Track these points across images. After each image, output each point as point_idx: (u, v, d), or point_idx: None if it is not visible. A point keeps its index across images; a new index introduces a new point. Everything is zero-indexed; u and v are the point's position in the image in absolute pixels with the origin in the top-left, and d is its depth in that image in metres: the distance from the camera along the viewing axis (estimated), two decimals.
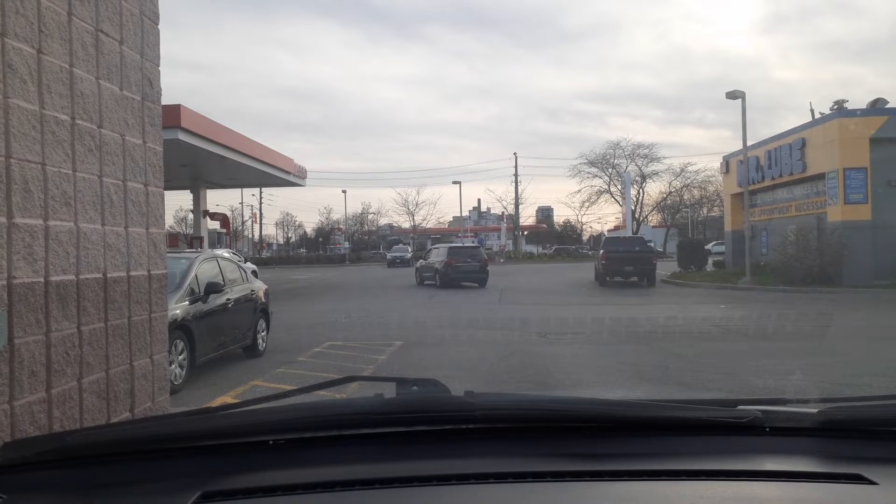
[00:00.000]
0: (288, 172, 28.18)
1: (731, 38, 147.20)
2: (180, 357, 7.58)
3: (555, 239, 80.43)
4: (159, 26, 3.13)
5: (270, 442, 1.45)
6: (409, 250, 53.98)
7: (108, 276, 2.60)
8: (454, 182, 59.16)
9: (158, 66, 3.10)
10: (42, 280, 2.22)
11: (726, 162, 31.13)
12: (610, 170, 57.30)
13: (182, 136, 18.12)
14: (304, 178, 31.49)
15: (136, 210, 2.81)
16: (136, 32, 2.90)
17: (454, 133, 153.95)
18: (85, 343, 2.44)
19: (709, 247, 40.94)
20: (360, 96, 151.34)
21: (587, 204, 61.48)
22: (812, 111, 26.24)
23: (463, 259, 25.71)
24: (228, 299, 9.11)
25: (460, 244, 32.05)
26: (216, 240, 33.56)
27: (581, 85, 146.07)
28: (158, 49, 3.10)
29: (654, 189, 61.66)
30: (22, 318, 2.11)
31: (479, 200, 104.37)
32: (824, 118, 23.12)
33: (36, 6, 2.26)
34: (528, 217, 78.25)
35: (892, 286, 19.26)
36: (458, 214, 74.24)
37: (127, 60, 2.81)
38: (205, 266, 8.91)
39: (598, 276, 25.94)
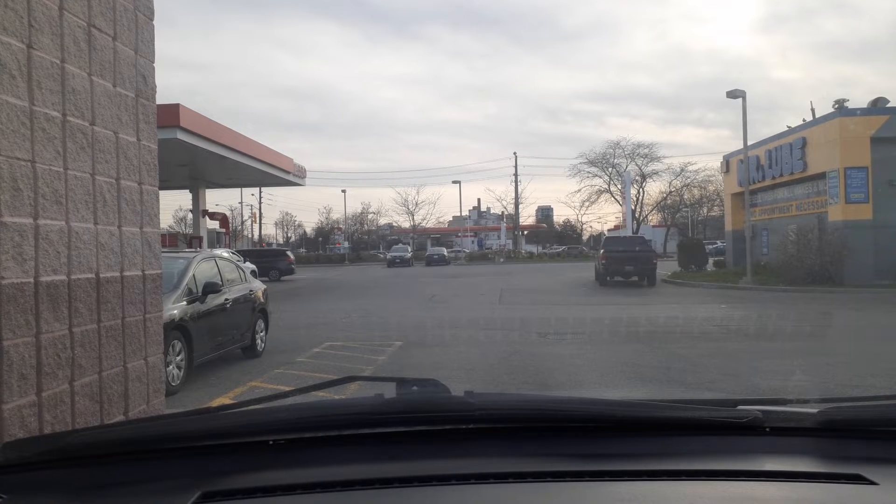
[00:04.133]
0: (287, 172, 28.20)
1: (731, 37, 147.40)
2: (178, 358, 7.54)
3: (555, 238, 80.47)
4: (154, 22, 3.08)
5: (270, 442, 1.44)
6: (409, 250, 53.98)
7: (101, 276, 2.55)
8: (454, 182, 59.40)
9: (153, 62, 3.04)
10: (32, 280, 2.17)
11: (726, 161, 31.09)
12: (610, 169, 57.44)
13: (181, 136, 18.13)
14: (304, 177, 31.52)
15: (129, 209, 2.76)
16: (130, 28, 2.85)
17: (453, 133, 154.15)
18: (77, 345, 2.39)
19: None
20: (360, 96, 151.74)
21: (587, 203, 61.72)
22: (813, 110, 26.21)
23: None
24: (227, 299, 9.06)
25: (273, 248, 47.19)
26: (215, 239, 33.54)
27: (580, 85, 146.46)
28: (153, 45, 3.05)
29: (654, 188, 61.82)
30: (11, 319, 2.07)
31: (478, 200, 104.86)
32: (825, 117, 23.06)
33: (26, 0, 2.21)
34: (527, 217, 78.43)
35: (893, 286, 19.23)
36: (458, 214, 74.43)
37: (120, 56, 2.76)
38: (203, 266, 8.87)
39: (598, 276, 25.86)
